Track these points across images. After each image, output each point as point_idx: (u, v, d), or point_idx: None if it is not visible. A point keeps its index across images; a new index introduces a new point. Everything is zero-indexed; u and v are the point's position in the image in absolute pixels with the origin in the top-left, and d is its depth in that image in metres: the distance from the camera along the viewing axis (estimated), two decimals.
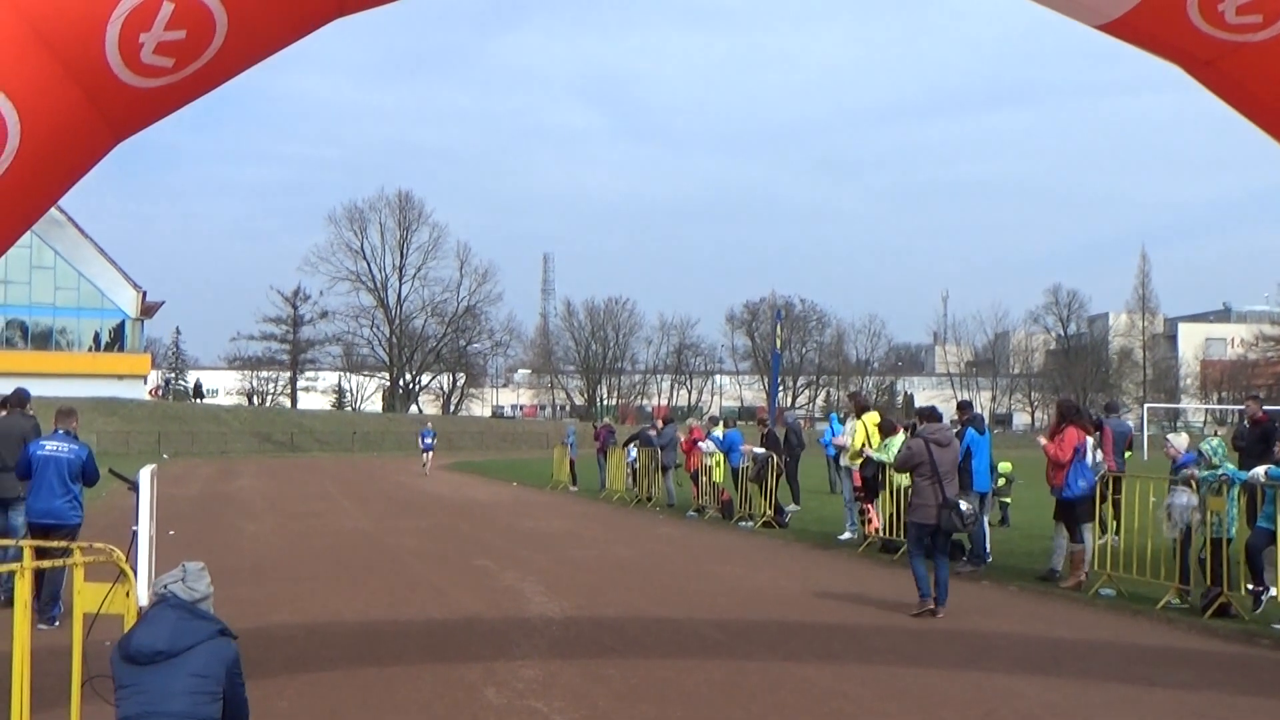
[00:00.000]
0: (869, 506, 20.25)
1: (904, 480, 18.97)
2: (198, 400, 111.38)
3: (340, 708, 9.33)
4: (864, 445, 20.59)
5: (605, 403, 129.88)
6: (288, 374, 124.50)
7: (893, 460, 19.29)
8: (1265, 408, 16.87)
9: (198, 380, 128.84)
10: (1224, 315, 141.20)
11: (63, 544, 6.82)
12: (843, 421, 24.37)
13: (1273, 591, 13.36)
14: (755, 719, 9.03)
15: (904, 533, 18.94)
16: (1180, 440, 15.46)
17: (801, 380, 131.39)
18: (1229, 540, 13.46)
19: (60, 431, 13.26)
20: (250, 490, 38.95)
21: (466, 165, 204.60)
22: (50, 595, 12.31)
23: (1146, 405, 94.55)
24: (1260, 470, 13.26)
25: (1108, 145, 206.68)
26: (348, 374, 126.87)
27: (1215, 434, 15.20)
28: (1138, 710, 9.39)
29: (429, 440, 50.01)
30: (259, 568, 17.82)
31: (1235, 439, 14.85)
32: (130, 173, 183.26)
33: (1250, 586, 13.49)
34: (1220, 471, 13.58)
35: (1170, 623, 13.37)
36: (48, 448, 12.94)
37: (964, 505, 13.78)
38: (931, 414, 15.50)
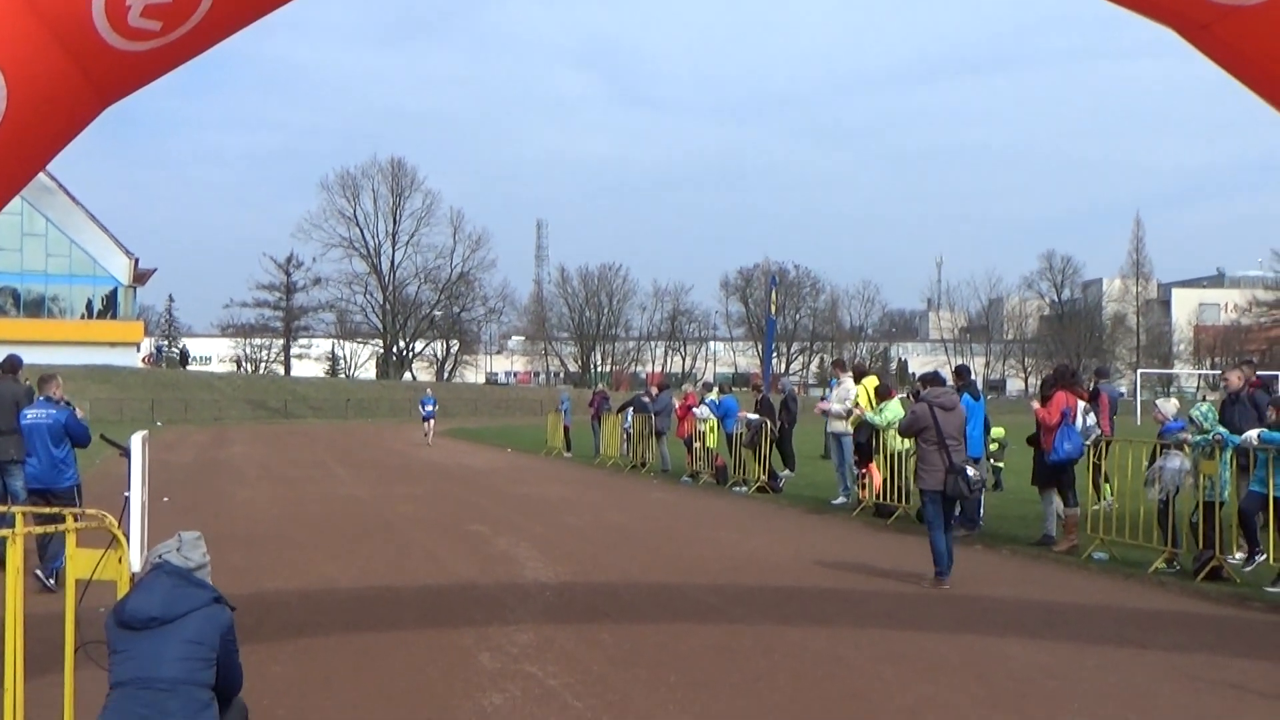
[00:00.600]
0: (870, 467, 20.22)
1: (899, 445, 19.02)
2: (181, 366, 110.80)
3: (334, 673, 9.34)
4: (856, 408, 20.60)
5: (599, 369, 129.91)
6: (281, 341, 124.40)
7: (886, 423, 19.32)
8: (1259, 373, 16.84)
9: (183, 347, 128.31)
10: (1218, 281, 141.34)
11: (57, 510, 6.81)
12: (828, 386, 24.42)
13: (1264, 554, 13.41)
14: (749, 682, 9.05)
15: (898, 498, 19.05)
16: (1169, 405, 15.45)
17: (795, 346, 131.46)
18: (1221, 504, 13.49)
19: (42, 399, 13.43)
20: (244, 457, 38.96)
21: (460, 131, 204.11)
22: (53, 554, 12.45)
23: (1140, 371, 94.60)
24: (1253, 434, 13.27)
25: (1103, 110, 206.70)
26: (341, 341, 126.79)
27: (1204, 399, 15.17)
28: (1130, 672, 9.42)
29: (430, 408, 47.26)
30: (253, 534, 17.83)
31: (1222, 410, 14.79)
32: (122, 139, 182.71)
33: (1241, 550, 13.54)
34: (1213, 434, 13.59)
35: (1162, 586, 13.41)
36: (30, 416, 13.22)
37: (971, 471, 13.54)
38: (935, 378, 15.06)
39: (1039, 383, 15.07)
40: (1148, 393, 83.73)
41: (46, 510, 6.93)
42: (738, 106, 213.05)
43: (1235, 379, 15.36)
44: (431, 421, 46.73)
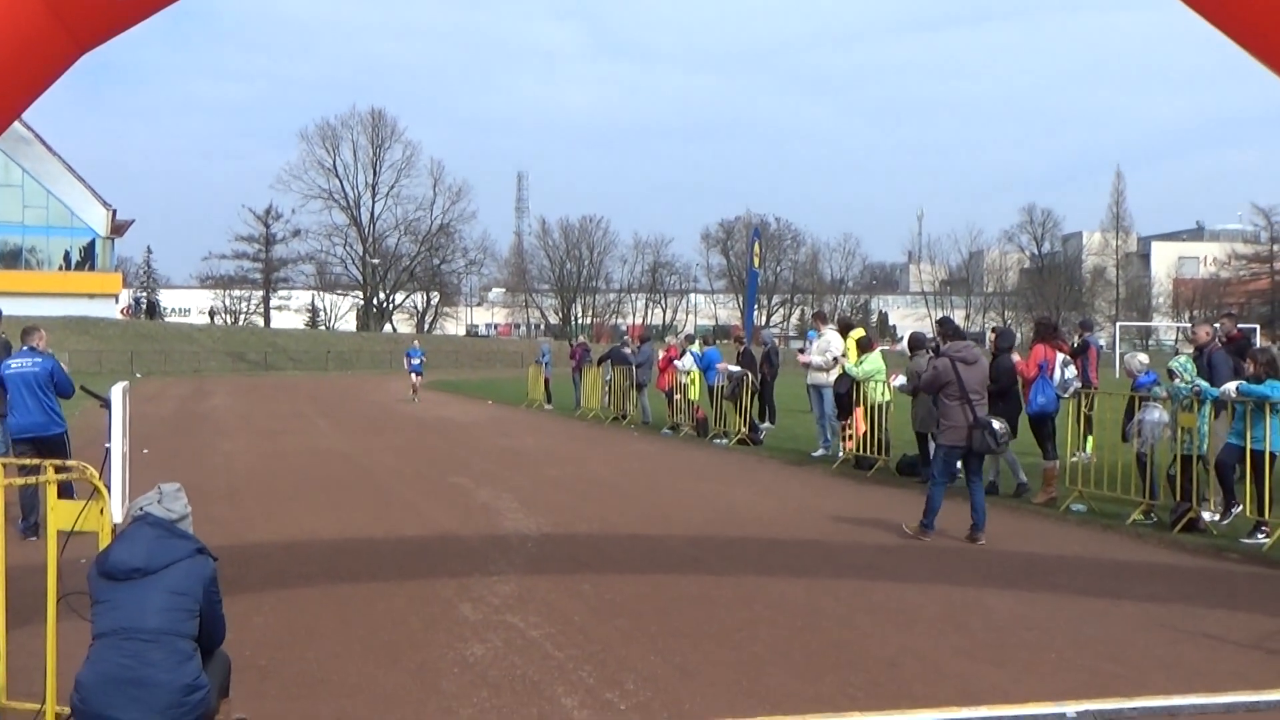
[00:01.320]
0: (857, 415, 20.25)
1: (879, 397, 19.07)
2: (148, 318, 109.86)
3: (317, 624, 9.37)
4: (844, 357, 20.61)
5: (580, 321, 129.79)
6: (260, 293, 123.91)
7: (866, 376, 19.35)
8: (1240, 325, 16.90)
9: (150, 298, 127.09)
10: (1197, 234, 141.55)
11: (37, 461, 6.79)
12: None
13: (1240, 506, 13.52)
14: (728, 633, 9.10)
15: (878, 450, 19.11)
16: (1136, 361, 15.49)
17: (776, 299, 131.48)
18: (1200, 456, 13.58)
19: (26, 348, 13.40)
20: (224, 409, 38.88)
21: (440, 82, 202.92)
22: (30, 506, 12.48)
23: (1119, 324, 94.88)
24: (1231, 386, 13.33)
25: (1085, 63, 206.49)
26: (321, 293, 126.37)
27: (1180, 352, 15.23)
28: (1106, 622, 9.50)
29: (416, 361, 43.71)
30: (234, 486, 17.82)
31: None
32: (100, 90, 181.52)
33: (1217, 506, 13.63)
34: (1192, 386, 13.65)
35: (1140, 538, 13.51)
36: (14, 365, 13.19)
37: (996, 425, 13.24)
38: (956, 331, 14.79)
39: (1019, 336, 15.08)
40: (1126, 346, 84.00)
41: (32, 462, 6.90)
42: (720, 58, 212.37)
43: (1203, 333, 15.46)
44: (418, 377, 43.79)
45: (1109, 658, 8.43)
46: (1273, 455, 12.76)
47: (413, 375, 43.48)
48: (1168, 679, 7.86)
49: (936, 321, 19.02)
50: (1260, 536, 12.73)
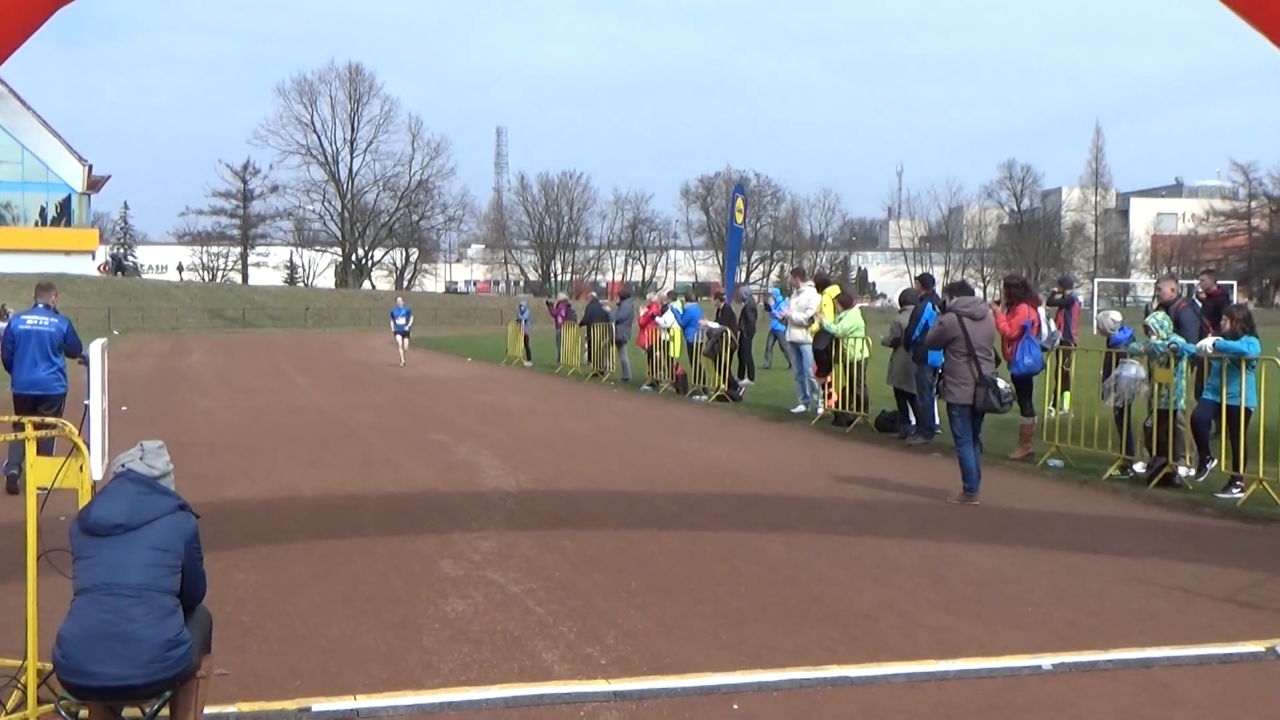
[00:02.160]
0: (828, 380, 20.36)
1: (857, 354, 19.12)
2: (118, 274, 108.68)
3: (298, 580, 9.39)
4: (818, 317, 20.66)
5: (559, 278, 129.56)
6: (238, 249, 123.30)
7: (844, 332, 19.38)
8: (1219, 282, 17.00)
9: (116, 254, 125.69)
10: (1176, 190, 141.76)
11: (18, 419, 6.78)
12: (786, 295, 24.46)
13: (1215, 462, 13.62)
14: (709, 587, 9.15)
15: (857, 406, 19.18)
16: (1108, 319, 15.56)
17: (756, 255, 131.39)
18: (1176, 412, 13.66)
19: (40, 305, 13.43)
20: (203, 366, 38.79)
21: (419, 36, 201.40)
22: (14, 461, 12.46)
23: (1097, 280, 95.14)
24: (1208, 342, 13.41)
25: (1065, 19, 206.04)
26: (299, 249, 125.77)
27: (1156, 309, 15.31)
28: (1082, 576, 9.58)
29: (402, 320, 38.69)
30: (214, 443, 17.80)
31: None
32: (76, 44, 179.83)
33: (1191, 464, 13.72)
34: (1169, 343, 13.73)
35: (1116, 493, 13.61)
36: (29, 322, 13.24)
37: (1002, 384, 13.13)
38: (963, 288, 14.57)
39: (997, 292, 15.05)
40: (1105, 302, 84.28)
41: (15, 419, 6.88)
42: (701, 13, 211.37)
43: (1168, 290, 15.58)
44: (405, 339, 38.85)
45: (1084, 611, 8.51)
46: (1248, 411, 12.87)
47: (399, 337, 38.84)
48: (1142, 632, 7.94)
49: (917, 277, 19.08)
50: (1235, 491, 12.85)
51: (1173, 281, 15.90)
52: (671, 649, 7.54)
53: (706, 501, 13.08)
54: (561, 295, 41.93)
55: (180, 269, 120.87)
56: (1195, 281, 16.96)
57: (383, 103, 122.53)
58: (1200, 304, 15.88)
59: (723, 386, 24.27)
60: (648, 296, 31.52)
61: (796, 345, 21.82)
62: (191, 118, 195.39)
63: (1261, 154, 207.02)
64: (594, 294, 35.54)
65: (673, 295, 31.96)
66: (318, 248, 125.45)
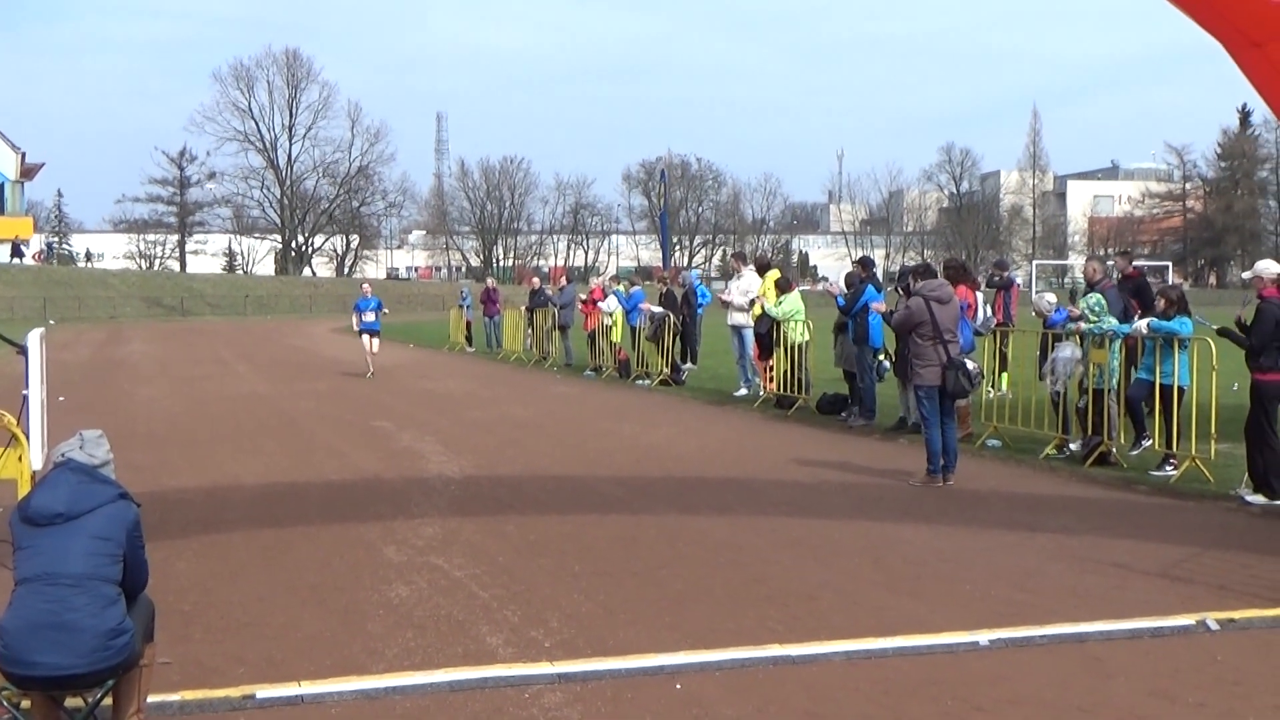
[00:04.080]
0: (769, 364, 20.48)
1: (798, 337, 19.24)
2: (52, 264, 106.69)
3: (240, 568, 9.37)
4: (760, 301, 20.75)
5: (501, 264, 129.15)
6: (176, 237, 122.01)
7: (785, 316, 19.49)
8: (1153, 263, 17.28)
9: (48, 242, 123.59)
10: (1112, 173, 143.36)
11: None
12: (703, 282, 24.60)
13: (1150, 440, 13.84)
14: (652, 570, 9.22)
15: (798, 389, 19.31)
16: (1044, 301, 15.79)
17: (698, 240, 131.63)
18: (1111, 391, 13.86)
19: None
20: (141, 355, 38.41)
21: (358, 21, 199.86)
22: None
23: (1035, 262, 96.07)
24: (1142, 324, 13.61)
25: (1003, 3, 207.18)
26: (238, 236, 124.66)
27: (1090, 291, 15.54)
28: (1020, 554, 9.73)
29: (370, 316, 27.87)
30: (154, 433, 17.67)
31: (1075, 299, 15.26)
32: (8, 29, 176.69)
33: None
34: (1104, 324, 13.92)
35: (1053, 471, 13.80)
36: None
37: (970, 365, 13.25)
38: (927, 270, 14.55)
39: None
40: (1043, 284, 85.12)
41: None
42: None
43: (1091, 270, 15.81)
44: (374, 339, 27.87)
45: (1021, 588, 8.65)
46: (1181, 390, 13.09)
47: (366, 337, 27.86)
48: (1077, 607, 8.08)
49: (856, 261, 19.21)
50: (1168, 469, 13.07)
51: (1095, 262, 16.15)
52: (615, 631, 7.60)
53: (649, 485, 13.14)
54: (490, 282, 41.03)
55: (106, 256, 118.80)
56: (1109, 263, 17.23)
57: (321, 88, 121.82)
58: (1115, 284, 16.10)
59: (665, 371, 24.35)
60: (589, 281, 31.27)
61: (738, 329, 21.93)
62: (127, 104, 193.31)
63: (1196, 136, 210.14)
64: (537, 279, 35.39)
65: (617, 279, 31.99)
66: (257, 235, 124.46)
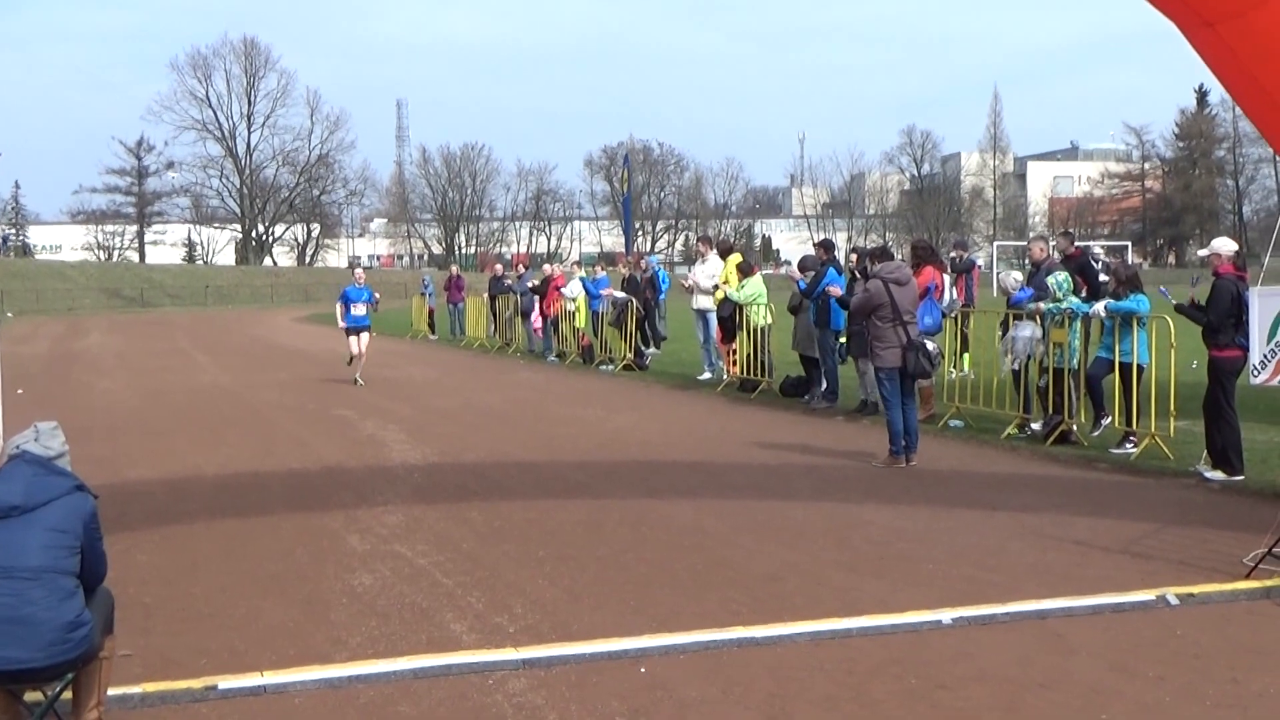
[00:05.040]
0: (731, 347, 20.50)
1: (760, 320, 19.27)
2: (1, 255, 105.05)
3: (202, 559, 9.31)
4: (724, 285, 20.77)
5: (463, 251, 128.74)
6: (135, 228, 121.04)
7: (748, 300, 19.52)
8: (1112, 243, 17.41)
9: (5, 234, 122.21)
10: (1071, 154, 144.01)
11: None
12: (663, 266, 24.62)
13: (1110, 418, 13.94)
14: (617, 554, 9.22)
15: (761, 373, 19.35)
16: (1010, 279, 15.88)
17: (660, 225, 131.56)
18: (1071, 370, 13.95)
19: None
20: (101, 347, 38.11)
21: (316, 8, 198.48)
22: None
23: (996, 243, 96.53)
24: (1100, 305, 13.69)
25: None
26: (198, 227, 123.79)
27: (1054, 270, 15.66)
28: (982, 532, 9.79)
29: (362, 309, 23.17)
30: (113, 425, 17.53)
31: (1030, 279, 15.36)
32: None
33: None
34: (1065, 305, 14.00)
35: (1014, 450, 13.89)
36: None
37: (930, 345, 13.29)
38: (884, 253, 14.63)
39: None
40: (1004, 265, 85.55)
41: None
42: None
43: (1038, 250, 15.94)
44: (363, 337, 23.17)
45: (983, 566, 8.70)
46: (1140, 367, 13.18)
47: (354, 336, 23.13)
48: (1038, 584, 8.14)
49: (817, 244, 19.23)
50: (1128, 446, 13.17)
51: (1041, 242, 16.31)
52: (579, 616, 7.60)
53: (613, 470, 13.14)
54: (455, 269, 40.97)
55: (61, 246, 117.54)
56: (1053, 242, 17.39)
57: (279, 76, 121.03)
58: (1060, 262, 16.21)
59: (629, 355, 24.34)
60: (548, 268, 31.06)
61: (703, 313, 21.95)
62: (84, 94, 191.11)
63: (1154, 117, 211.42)
64: (499, 266, 35.27)
65: (578, 265, 31.95)
66: (216, 225, 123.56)
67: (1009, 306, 15.27)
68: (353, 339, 23.09)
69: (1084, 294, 14.68)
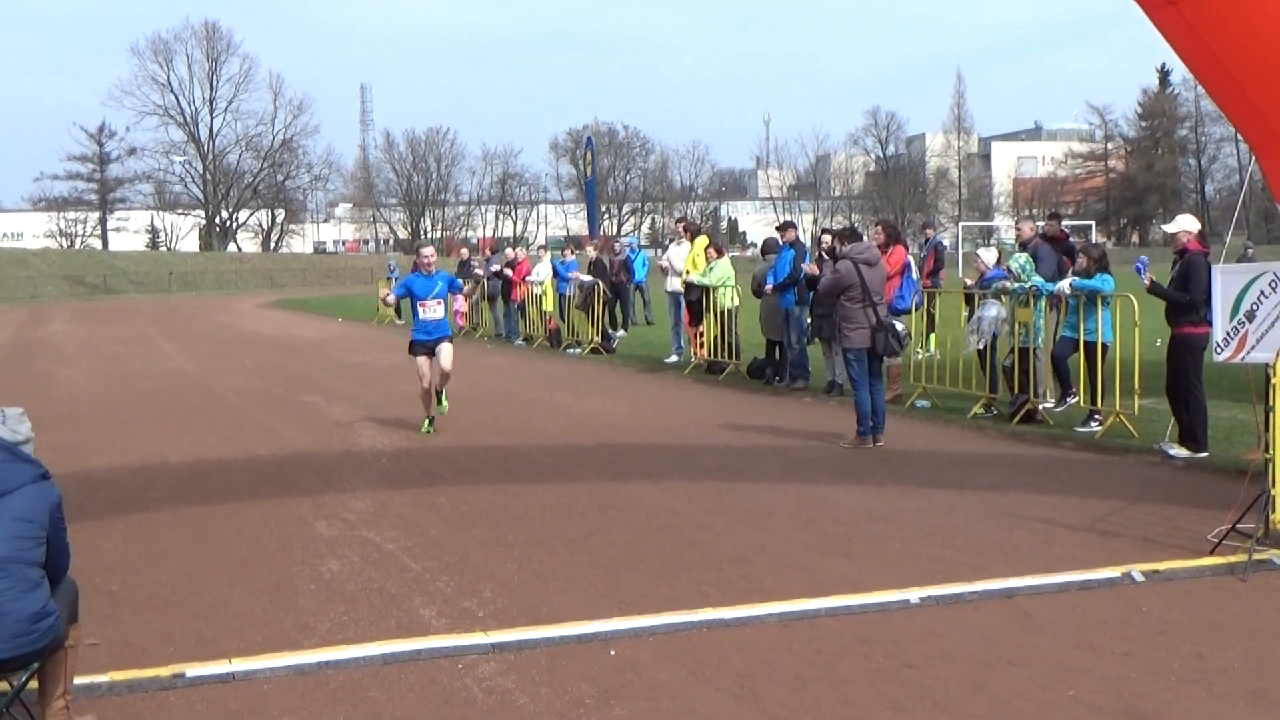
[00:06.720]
0: (699, 329, 20.52)
1: (728, 303, 19.29)
2: None
3: (168, 547, 9.25)
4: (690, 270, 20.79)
5: (429, 235, 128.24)
6: (97, 214, 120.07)
7: (716, 283, 19.53)
8: (1076, 223, 17.57)
9: None
10: (1035, 134, 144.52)
11: None
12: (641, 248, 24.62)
13: (1076, 396, 14.03)
14: (585, 538, 9.22)
15: (729, 355, 19.37)
16: (989, 254, 15.98)
17: (626, 208, 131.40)
18: (1036, 350, 14.02)
19: None
20: (64, 335, 37.81)
21: None
22: None
23: (961, 224, 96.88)
24: (1065, 283, 13.76)
25: None
26: (160, 213, 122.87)
27: (1018, 250, 15.77)
28: (949, 512, 9.84)
29: (439, 311, 15.23)
30: (77, 413, 17.40)
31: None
32: None
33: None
34: (1029, 284, 14.06)
35: (981, 430, 13.96)
36: None
37: (899, 325, 13.31)
38: (853, 234, 14.60)
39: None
40: (969, 245, 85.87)
41: None
42: None
43: (1026, 229, 16.08)
44: (443, 353, 14.66)
45: (951, 545, 8.74)
46: (1104, 346, 13.26)
47: (421, 358, 14.77)
48: (1005, 563, 8.19)
49: (778, 227, 19.20)
50: (1093, 425, 13.26)
51: (1029, 222, 16.46)
52: (548, 599, 7.60)
53: (581, 453, 13.14)
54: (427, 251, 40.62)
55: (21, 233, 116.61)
56: (1039, 224, 17.52)
57: (242, 60, 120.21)
58: (1045, 241, 16.30)
59: (596, 339, 24.33)
60: (517, 251, 30.97)
61: (676, 295, 21.97)
62: (44, 80, 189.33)
63: (1117, 96, 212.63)
64: (465, 250, 35.17)
65: (544, 249, 31.89)
66: (180, 210, 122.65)
67: (981, 284, 15.30)
68: (422, 360, 14.75)
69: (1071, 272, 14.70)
